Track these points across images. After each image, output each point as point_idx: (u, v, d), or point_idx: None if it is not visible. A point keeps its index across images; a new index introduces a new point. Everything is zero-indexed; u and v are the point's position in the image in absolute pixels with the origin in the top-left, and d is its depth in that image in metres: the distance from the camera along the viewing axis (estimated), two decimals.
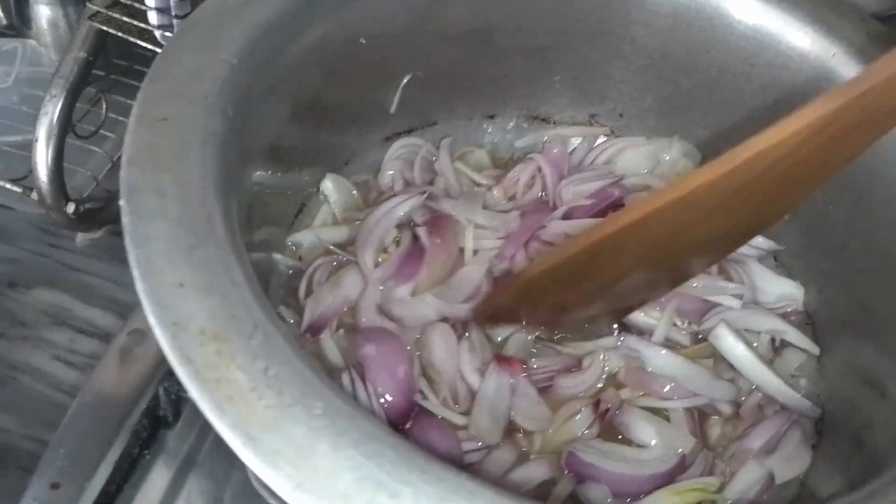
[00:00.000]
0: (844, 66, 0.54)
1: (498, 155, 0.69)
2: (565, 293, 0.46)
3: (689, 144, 0.65)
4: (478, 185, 0.64)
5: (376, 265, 0.55)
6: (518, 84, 0.66)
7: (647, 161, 0.65)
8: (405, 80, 0.61)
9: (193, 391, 0.30)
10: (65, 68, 0.67)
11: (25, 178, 0.71)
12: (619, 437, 0.51)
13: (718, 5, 0.58)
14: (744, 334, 0.55)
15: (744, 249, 0.59)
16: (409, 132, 0.65)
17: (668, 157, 0.65)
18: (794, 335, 0.56)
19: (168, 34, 0.65)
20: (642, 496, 0.47)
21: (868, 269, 0.53)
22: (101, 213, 0.75)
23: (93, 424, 0.54)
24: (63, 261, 0.80)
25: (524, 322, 0.53)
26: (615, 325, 0.55)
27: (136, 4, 0.66)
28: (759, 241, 0.60)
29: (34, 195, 0.69)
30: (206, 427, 0.57)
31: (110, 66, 0.79)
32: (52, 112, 0.66)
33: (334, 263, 0.56)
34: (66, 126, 0.67)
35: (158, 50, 0.67)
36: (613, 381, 0.53)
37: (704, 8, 0.58)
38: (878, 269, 0.52)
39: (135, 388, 0.56)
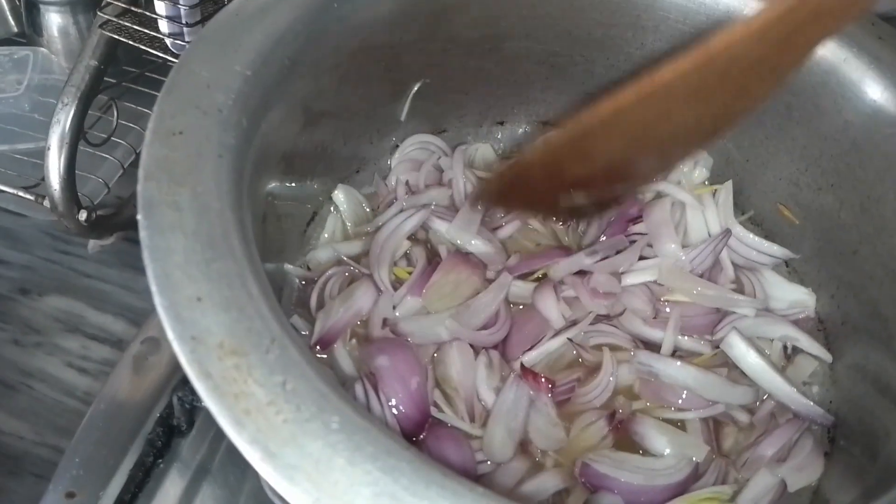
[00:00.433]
0: (855, 70, 0.54)
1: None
2: (561, 176, 0.49)
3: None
4: None
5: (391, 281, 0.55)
6: (527, 90, 0.67)
7: None
8: (415, 88, 0.61)
9: (212, 406, 0.30)
10: (76, 77, 0.67)
11: (37, 185, 0.71)
12: (636, 448, 0.51)
13: (728, 10, 0.58)
14: (756, 342, 0.55)
15: (757, 258, 0.60)
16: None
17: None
18: (806, 342, 0.56)
19: (179, 42, 0.65)
20: None
21: (880, 274, 0.52)
22: (112, 220, 0.76)
23: (108, 433, 0.54)
24: (75, 267, 0.80)
25: (523, 206, 0.56)
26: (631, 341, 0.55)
27: (147, 13, 0.66)
28: (774, 249, 0.60)
29: (46, 203, 0.69)
30: (220, 435, 0.58)
31: (121, 72, 0.79)
32: (64, 121, 0.66)
33: (346, 274, 0.56)
34: (78, 134, 0.67)
35: (169, 58, 0.67)
36: (630, 393, 0.53)
37: (714, 13, 0.58)
38: (890, 274, 0.51)
39: (149, 396, 0.57)
